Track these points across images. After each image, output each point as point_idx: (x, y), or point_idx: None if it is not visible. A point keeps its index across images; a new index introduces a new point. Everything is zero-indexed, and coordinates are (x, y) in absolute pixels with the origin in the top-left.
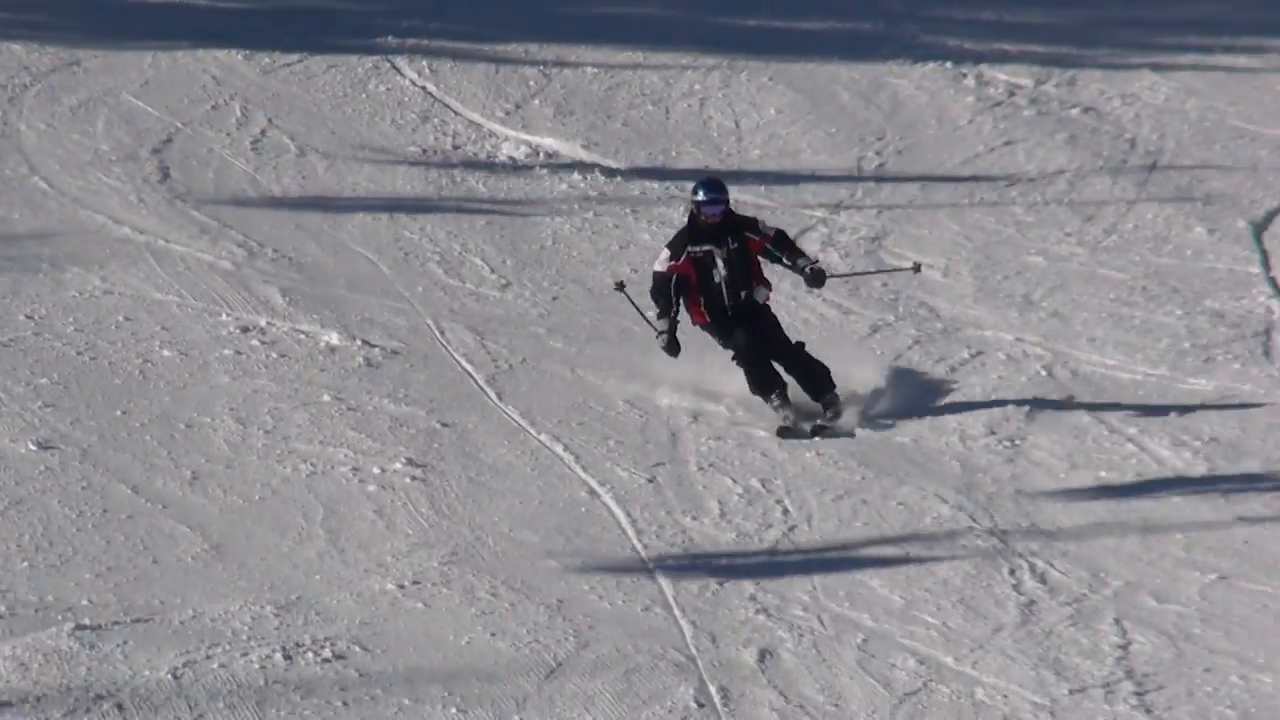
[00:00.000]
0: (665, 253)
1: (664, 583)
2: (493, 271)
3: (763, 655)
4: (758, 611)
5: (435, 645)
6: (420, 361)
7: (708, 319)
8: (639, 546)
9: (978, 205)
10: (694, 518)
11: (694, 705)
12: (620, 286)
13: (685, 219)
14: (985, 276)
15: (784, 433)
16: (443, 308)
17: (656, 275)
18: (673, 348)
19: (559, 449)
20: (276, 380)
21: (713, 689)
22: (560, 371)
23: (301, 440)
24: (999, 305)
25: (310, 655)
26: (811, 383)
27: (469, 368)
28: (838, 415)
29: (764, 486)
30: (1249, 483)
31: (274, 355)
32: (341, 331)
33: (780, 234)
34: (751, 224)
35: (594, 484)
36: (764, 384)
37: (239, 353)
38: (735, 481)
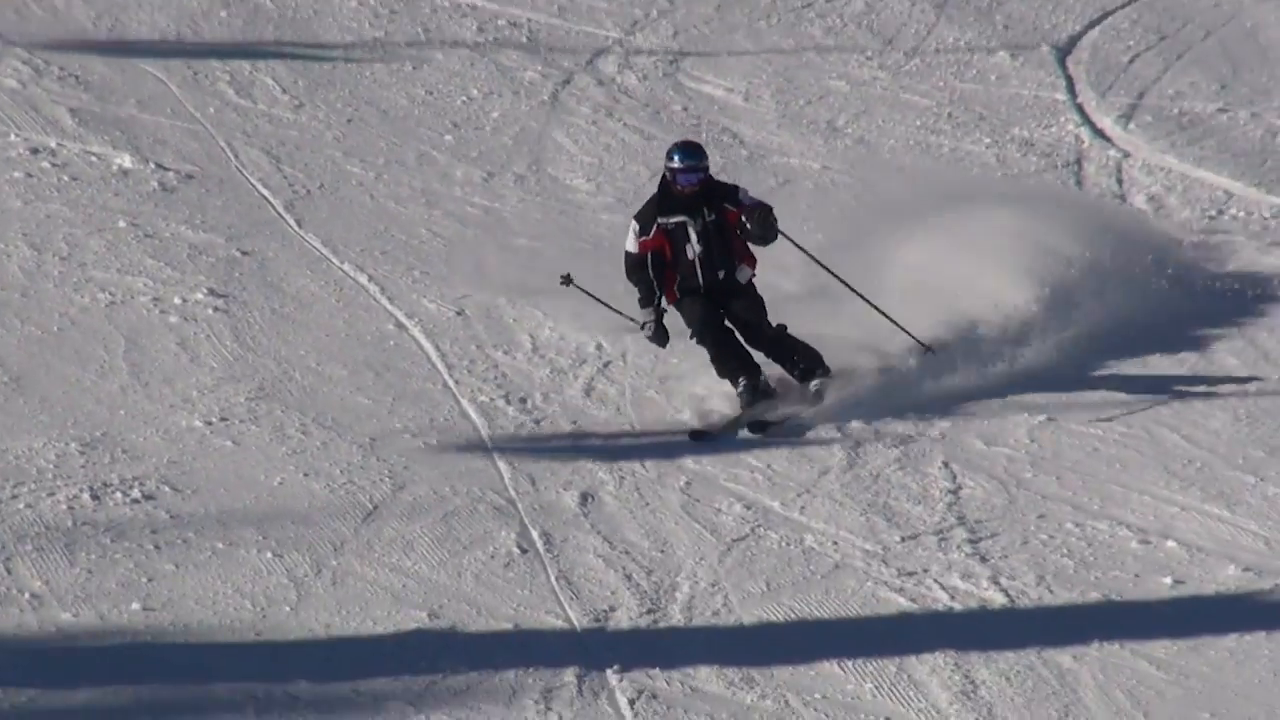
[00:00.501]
0: (634, 227)
1: (478, 421)
2: (284, 92)
3: (584, 498)
4: (576, 452)
5: (247, 486)
6: (216, 186)
7: (679, 297)
8: (451, 383)
9: (775, 27)
10: (506, 352)
11: (516, 550)
12: (567, 280)
13: (659, 185)
14: (787, 102)
15: (696, 435)
16: (236, 129)
17: (629, 256)
18: (660, 337)
19: (363, 279)
20: (70, 205)
21: (534, 533)
22: (360, 198)
23: (99, 268)
24: (803, 132)
25: (119, 495)
26: (800, 366)
27: (266, 193)
28: (819, 398)
29: (577, 321)
30: (1072, 321)
31: (66, 178)
32: (134, 154)
33: (764, 206)
34: (731, 193)
35: (401, 316)
36: (730, 365)
37: (30, 175)
38: (546, 315)
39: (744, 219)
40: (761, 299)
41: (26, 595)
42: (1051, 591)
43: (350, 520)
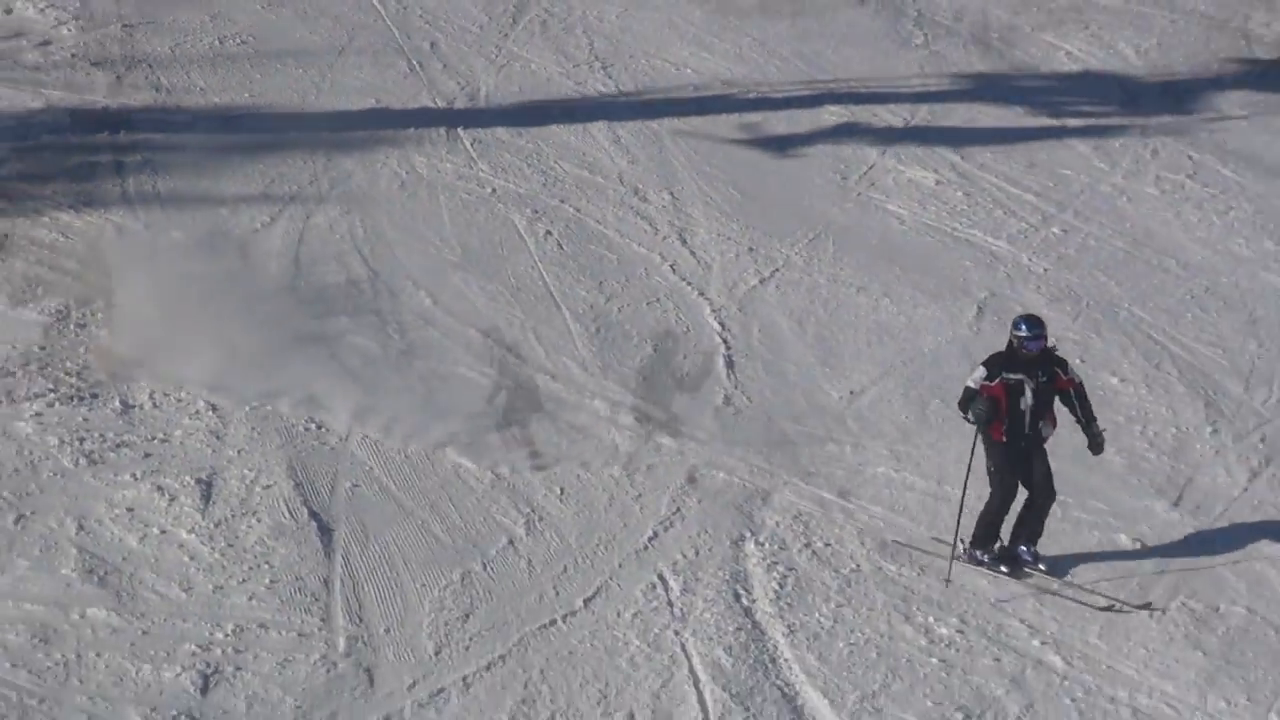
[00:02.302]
0: (981, 370)
1: None
2: None
3: None
4: None
5: None
6: None
7: (1005, 440)
8: None
9: None
10: None
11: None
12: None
13: (1005, 347)
14: None
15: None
16: None
17: (969, 390)
18: (991, 411)
19: None
20: None
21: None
22: None
23: None
24: None
25: None
26: (1027, 529)
27: None
28: (1007, 564)
29: None
30: None
31: None
32: None
33: (1082, 385)
34: (1063, 364)
35: None
36: (993, 530)
37: None
38: None
39: (1089, 439)
40: (1050, 467)
41: None
42: None
43: None
